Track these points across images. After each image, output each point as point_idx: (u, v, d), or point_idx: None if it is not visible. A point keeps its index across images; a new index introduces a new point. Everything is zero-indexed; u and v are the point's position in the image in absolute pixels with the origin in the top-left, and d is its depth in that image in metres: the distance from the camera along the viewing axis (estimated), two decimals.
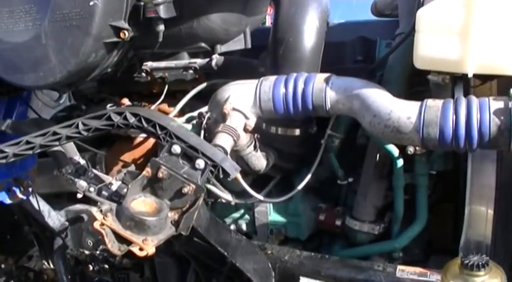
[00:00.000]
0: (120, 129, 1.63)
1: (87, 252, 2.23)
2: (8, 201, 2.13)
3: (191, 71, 2.19)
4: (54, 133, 1.65)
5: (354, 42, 2.21)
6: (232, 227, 2.19)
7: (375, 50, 2.12)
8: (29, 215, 2.33)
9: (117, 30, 1.57)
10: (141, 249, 1.39)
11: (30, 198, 2.21)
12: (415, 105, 1.56)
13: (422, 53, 1.59)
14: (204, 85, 2.12)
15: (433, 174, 1.93)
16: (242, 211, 2.20)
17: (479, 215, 1.74)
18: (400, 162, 1.87)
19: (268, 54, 1.92)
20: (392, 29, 2.04)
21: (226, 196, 2.00)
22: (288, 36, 1.84)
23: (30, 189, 2.17)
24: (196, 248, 1.78)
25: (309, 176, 1.94)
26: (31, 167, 2.17)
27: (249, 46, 1.86)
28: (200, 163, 1.51)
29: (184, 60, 2.19)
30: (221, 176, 1.53)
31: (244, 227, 2.20)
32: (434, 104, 1.54)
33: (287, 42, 1.84)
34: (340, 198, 2.15)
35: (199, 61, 2.15)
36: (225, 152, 1.69)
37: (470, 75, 1.55)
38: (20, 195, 2.15)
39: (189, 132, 1.60)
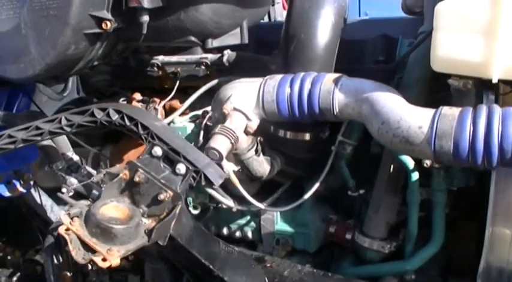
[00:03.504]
0: (103, 126, 1.52)
1: None
2: (7, 194, 2.06)
3: (203, 67, 2.08)
4: (37, 128, 1.56)
5: (375, 40, 2.03)
6: (238, 233, 2.07)
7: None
8: (32, 209, 2.27)
9: (99, 20, 1.47)
10: (104, 259, 1.27)
11: (33, 192, 2.14)
12: (428, 113, 1.39)
13: (441, 54, 1.42)
14: (215, 82, 2.00)
15: (453, 190, 1.75)
16: (248, 217, 2.07)
17: (502, 238, 1.56)
18: (415, 176, 1.71)
19: (279, 51, 1.78)
20: (416, 27, 1.85)
21: (227, 201, 1.87)
22: (300, 33, 1.69)
23: (31, 182, 2.09)
24: (185, 258, 1.64)
25: (317, 185, 1.79)
26: (33, 160, 2.09)
27: (246, 41, 1.71)
28: (181, 168, 1.40)
29: (196, 55, 2.07)
30: (203, 184, 1.39)
31: (249, 234, 2.07)
32: (450, 113, 1.36)
33: (298, 38, 1.69)
34: (354, 210, 1.99)
35: (210, 56, 2.03)
36: (220, 155, 1.56)
37: (494, 80, 1.37)
38: (20, 189, 2.08)
39: (174, 134, 1.48)
